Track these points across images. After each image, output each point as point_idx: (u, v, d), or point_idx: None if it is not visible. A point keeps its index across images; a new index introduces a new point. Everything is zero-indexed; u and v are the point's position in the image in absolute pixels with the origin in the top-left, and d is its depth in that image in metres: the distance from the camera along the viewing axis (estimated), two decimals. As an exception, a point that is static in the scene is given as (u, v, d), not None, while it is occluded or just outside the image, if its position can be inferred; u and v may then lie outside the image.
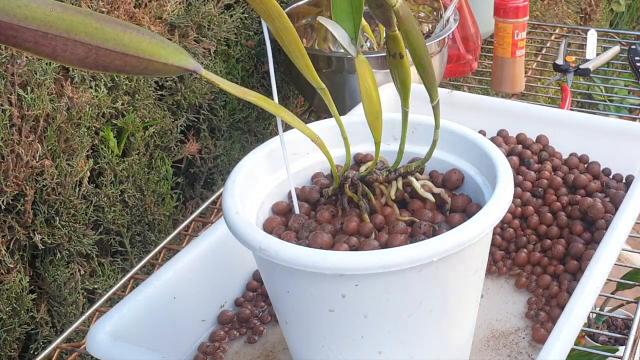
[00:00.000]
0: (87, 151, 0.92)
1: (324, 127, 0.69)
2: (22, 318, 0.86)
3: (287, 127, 0.64)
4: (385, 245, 0.59)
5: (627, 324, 1.36)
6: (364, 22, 1.09)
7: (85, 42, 0.46)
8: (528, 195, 0.85)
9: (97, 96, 0.92)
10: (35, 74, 0.83)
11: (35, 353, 0.89)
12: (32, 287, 0.90)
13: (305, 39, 1.21)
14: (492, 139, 0.90)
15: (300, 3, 1.20)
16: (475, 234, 0.56)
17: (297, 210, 0.65)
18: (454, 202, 0.64)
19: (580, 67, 1.34)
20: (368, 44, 1.19)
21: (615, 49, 1.41)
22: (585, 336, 1.33)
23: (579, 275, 0.76)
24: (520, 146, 0.90)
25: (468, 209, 0.64)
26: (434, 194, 0.65)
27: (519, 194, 0.85)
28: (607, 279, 0.71)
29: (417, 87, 0.66)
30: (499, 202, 0.58)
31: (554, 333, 0.63)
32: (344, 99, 1.09)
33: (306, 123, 0.63)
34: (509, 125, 0.93)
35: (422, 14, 1.25)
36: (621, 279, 0.93)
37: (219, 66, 1.13)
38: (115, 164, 0.96)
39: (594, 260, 0.70)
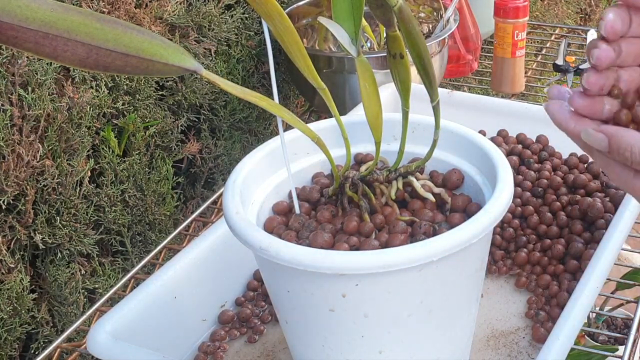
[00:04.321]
0: (88, 151, 0.92)
1: (324, 127, 0.69)
2: (22, 318, 0.86)
3: (287, 127, 0.64)
4: (385, 245, 0.59)
5: (626, 324, 1.37)
6: (364, 22, 1.09)
7: (86, 42, 0.46)
8: (528, 195, 0.85)
9: (97, 96, 0.92)
10: (36, 74, 0.84)
11: (36, 353, 0.89)
12: (33, 286, 0.90)
13: (306, 39, 1.21)
14: (492, 139, 0.90)
15: (300, 3, 1.21)
16: (475, 234, 0.56)
17: (297, 210, 0.65)
18: (454, 202, 0.64)
19: (580, 67, 1.34)
20: (368, 44, 1.20)
21: (615, 49, 1.40)
22: (585, 336, 1.33)
23: (578, 275, 0.76)
24: (520, 146, 0.90)
25: (468, 208, 0.64)
26: (434, 194, 0.65)
27: (519, 193, 0.85)
28: (607, 279, 0.71)
29: (417, 87, 0.66)
30: (499, 201, 0.58)
31: (553, 333, 0.63)
32: (344, 99, 1.09)
33: (306, 123, 0.63)
34: (509, 125, 0.93)
35: (422, 14, 1.25)
36: (621, 278, 0.93)
37: (220, 66, 1.13)
38: (115, 163, 0.96)
39: (594, 260, 0.70)
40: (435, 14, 1.24)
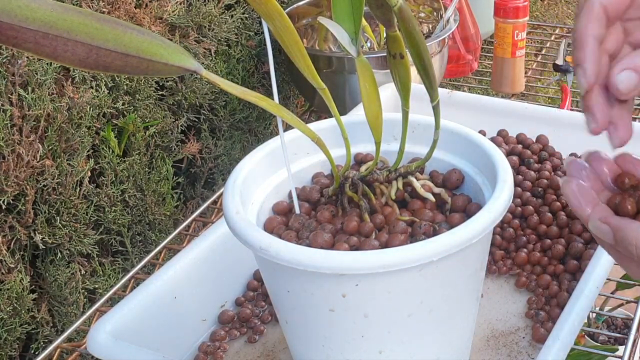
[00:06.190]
0: (88, 151, 0.92)
1: (324, 127, 0.69)
2: (22, 318, 0.86)
3: (287, 127, 0.64)
4: (385, 245, 0.59)
5: (626, 324, 1.36)
6: (364, 22, 1.09)
7: (86, 42, 0.46)
8: (528, 195, 0.85)
9: (97, 96, 0.92)
10: (36, 74, 0.84)
11: (36, 353, 0.89)
12: (33, 286, 0.90)
13: (306, 39, 1.21)
14: (492, 139, 0.90)
15: (300, 3, 1.21)
16: (475, 234, 0.56)
17: (297, 210, 0.65)
18: (454, 202, 0.64)
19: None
20: (368, 44, 1.20)
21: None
22: (585, 336, 1.33)
23: (578, 275, 0.76)
24: (520, 146, 0.90)
25: (468, 208, 0.64)
26: (434, 194, 0.65)
27: (519, 193, 0.85)
28: (607, 279, 0.71)
29: (417, 87, 0.66)
30: (499, 201, 0.58)
31: (553, 333, 0.63)
32: (344, 99, 1.09)
33: (306, 123, 0.63)
34: (509, 125, 0.93)
35: (422, 14, 1.25)
36: (621, 278, 0.93)
37: (220, 66, 1.13)
38: (115, 163, 0.96)
39: (594, 260, 0.70)
40: (435, 14, 1.23)
